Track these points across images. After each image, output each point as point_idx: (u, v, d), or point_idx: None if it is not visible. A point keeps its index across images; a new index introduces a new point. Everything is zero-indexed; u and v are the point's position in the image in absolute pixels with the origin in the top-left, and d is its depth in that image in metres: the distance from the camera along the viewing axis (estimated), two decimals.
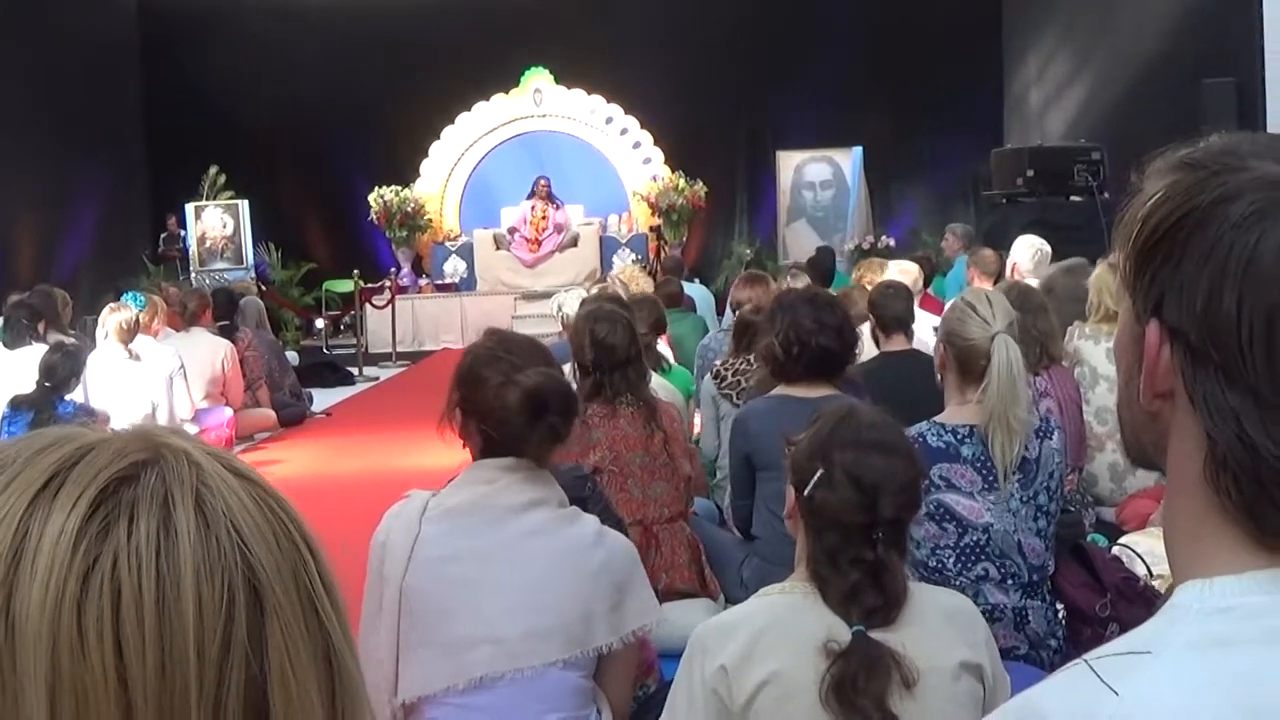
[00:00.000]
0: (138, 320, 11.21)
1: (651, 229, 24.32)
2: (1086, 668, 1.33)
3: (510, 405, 3.77)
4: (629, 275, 11.98)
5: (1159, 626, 1.35)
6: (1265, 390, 1.28)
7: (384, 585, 3.83)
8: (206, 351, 12.56)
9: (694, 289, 14.35)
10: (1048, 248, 10.30)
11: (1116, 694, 1.28)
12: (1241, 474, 1.31)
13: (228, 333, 13.52)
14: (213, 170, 23.25)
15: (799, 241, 23.38)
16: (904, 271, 10.44)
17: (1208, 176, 1.34)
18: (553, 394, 3.81)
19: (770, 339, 5.94)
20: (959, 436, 4.79)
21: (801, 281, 10.11)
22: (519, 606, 3.78)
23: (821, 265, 13.81)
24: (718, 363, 7.55)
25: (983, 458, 4.77)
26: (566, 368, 6.28)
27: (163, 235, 24.19)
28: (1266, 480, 1.29)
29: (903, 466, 3.20)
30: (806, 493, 3.18)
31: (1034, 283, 8.73)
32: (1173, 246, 1.34)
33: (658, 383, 6.97)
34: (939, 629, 3.16)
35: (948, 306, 5.21)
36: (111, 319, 11.00)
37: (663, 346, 8.92)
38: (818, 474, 3.16)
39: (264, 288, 21.79)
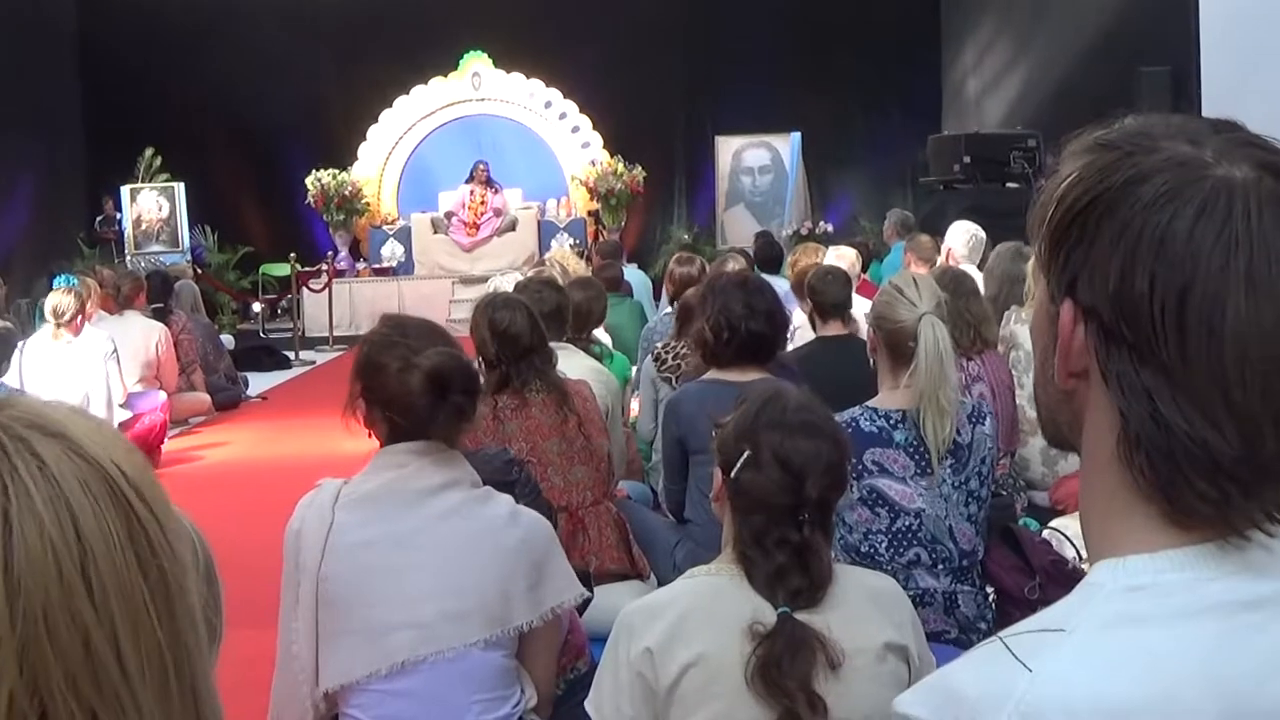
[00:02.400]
0: (83, 305, 11.15)
1: (590, 213, 24.29)
2: (1001, 645, 1.34)
3: (413, 389, 3.76)
4: (562, 257, 11.94)
5: (1073, 604, 1.37)
6: (1177, 368, 1.29)
7: (300, 575, 3.81)
8: (140, 335, 12.49)
9: (631, 273, 14.30)
10: (983, 234, 10.33)
11: (1030, 671, 1.29)
12: (1155, 452, 1.32)
13: (162, 316, 13.45)
14: (149, 152, 23.11)
15: (737, 226, 23.45)
16: (840, 256, 10.44)
17: (1121, 158, 1.35)
18: (454, 373, 3.79)
19: (701, 323, 5.95)
20: (891, 421, 4.80)
21: (737, 265, 10.09)
22: (437, 589, 3.78)
23: (768, 252, 13.79)
24: (659, 345, 7.52)
25: (915, 443, 4.78)
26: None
27: (98, 218, 24.01)
28: (1179, 458, 1.31)
29: (829, 448, 3.20)
30: (733, 474, 3.19)
31: (969, 268, 8.77)
32: (1085, 227, 1.35)
33: (585, 365, 6.93)
34: (864, 610, 3.17)
35: (878, 291, 5.23)
36: (48, 303, 10.95)
37: (600, 331, 8.89)
38: (744, 455, 3.17)
39: (200, 271, 21.68)
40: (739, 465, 3.17)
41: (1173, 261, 1.29)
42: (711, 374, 5.98)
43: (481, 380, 3.97)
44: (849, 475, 3.38)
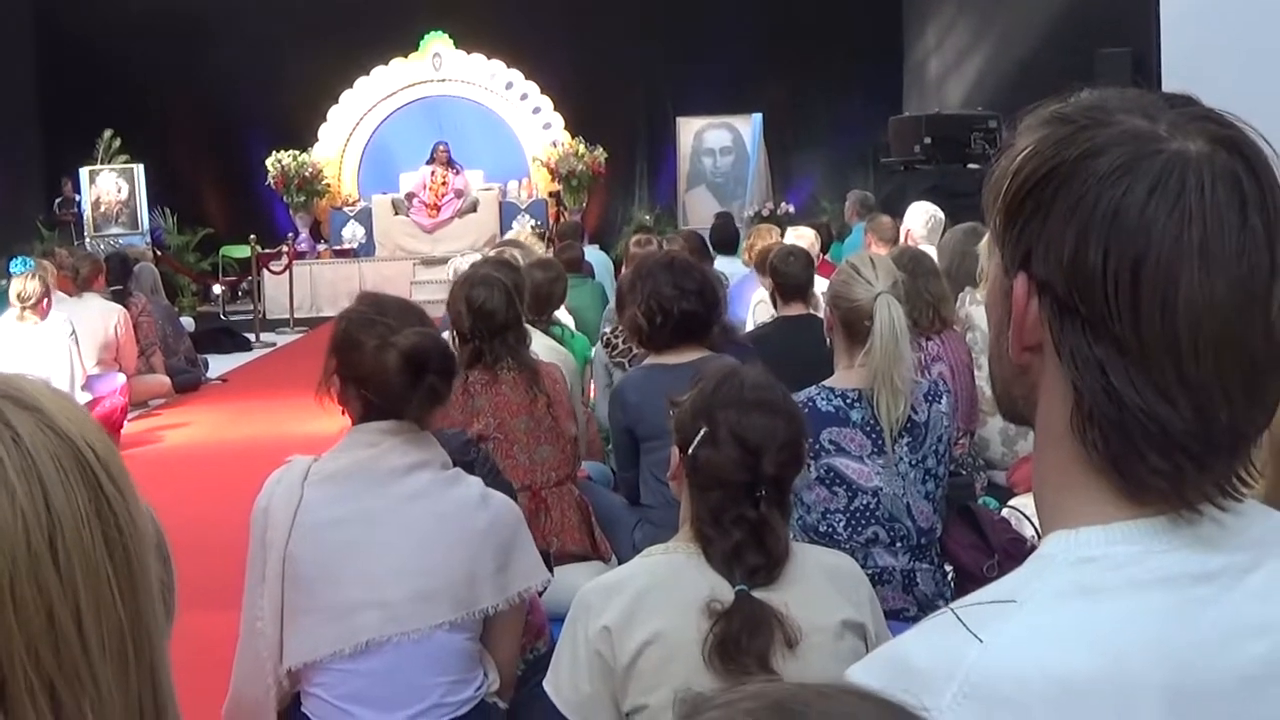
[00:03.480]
0: (49, 289, 11.13)
1: (551, 194, 24.25)
2: (953, 616, 1.34)
3: (389, 367, 3.75)
4: (527, 239, 11.94)
5: (1026, 576, 1.37)
6: (1130, 342, 1.29)
7: (267, 552, 3.79)
8: (99, 317, 12.42)
9: (593, 254, 14.31)
10: (941, 214, 10.37)
11: (981, 641, 1.29)
12: (1107, 426, 1.32)
13: (120, 298, 13.40)
14: (107, 134, 22.92)
15: (698, 208, 23.45)
16: (799, 237, 10.47)
17: (1075, 131, 1.36)
18: (431, 353, 3.80)
19: (633, 310, 5.94)
20: (848, 400, 4.81)
21: (676, 246, 10.12)
22: (404, 569, 3.77)
23: (723, 232, 13.80)
24: (607, 329, 7.52)
25: (871, 421, 4.79)
26: (446, 334, 6.25)
27: (57, 200, 23.81)
28: (1132, 431, 1.31)
29: (784, 425, 3.20)
30: (690, 452, 3.19)
31: (928, 249, 8.78)
32: (1040, 200, 1.35)
33: (544, 345, 6.94)
34: (821, 588, 3.18)
35: (835, 271, 5.24)
36: (13, 289, 10.93)
37: (562, 313, 8.88)
38: (701, 433, 3.17)
39: (160, 253, 21.58)
40: (696, 442, 3.18)
41: (1126, 235, 1.29)
42: (651, 359, 5.98)
43: (457, 362, 3.96)
44: (806, 453, 3.37)
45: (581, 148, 23.98)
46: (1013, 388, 1.48)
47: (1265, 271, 1.31)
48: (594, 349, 8.09)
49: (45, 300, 10.98)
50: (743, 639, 2.97)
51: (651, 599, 3.11)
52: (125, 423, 11.88)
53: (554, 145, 24.38)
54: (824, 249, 12.74)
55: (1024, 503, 5.85)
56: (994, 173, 1.44)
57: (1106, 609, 1.29)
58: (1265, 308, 1.31)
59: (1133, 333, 1.29)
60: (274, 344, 19.23)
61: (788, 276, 7.42)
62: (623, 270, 11.19)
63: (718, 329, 6.18)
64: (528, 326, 6.85)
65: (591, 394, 7.90)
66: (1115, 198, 1.30)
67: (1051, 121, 1.39)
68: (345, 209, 24.48)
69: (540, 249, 11.44)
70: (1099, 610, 1.29)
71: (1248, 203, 1.31)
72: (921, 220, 10.25)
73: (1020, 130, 1.43)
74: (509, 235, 15.14)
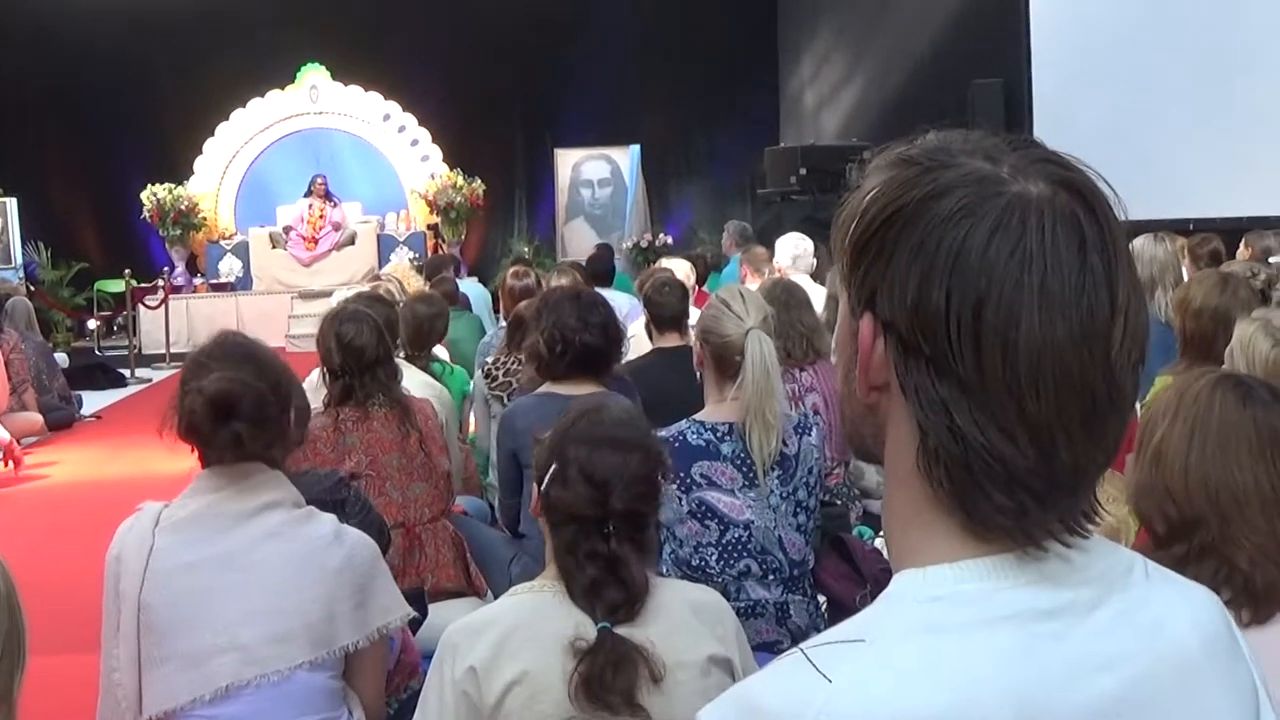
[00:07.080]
0: None
1: (430, 227, 24.15)
2: (802, 656, 1.34)
3: (196, 412, 3.73)
4: (403, 273, 11.89)
5: (875, 615, 1.38)
6: (973, 381, 1.30)
7: (120, 602, 3.76)
8: None
9: (470, 287, 14.26)
10: (809, 244, 10.44)
11: (830, 681, 1.29)
12: (952, 464, 1.33)
13: None
14: None
15: (578, 239, 23.46)
16: (675, 269, 10.48)
17: (920, 173, 1.36)
18: (240, 399, 3.74)
19: (535, 337, 5.95)
20: (719, 434, 4.81)
21: (569, 278, 10.11)
22: (260, 611, 3.72)
23: (601, 264, 13.81)
24: (489, 360, 7.50)
25: (742, 454, 4.80)
26: (316, 373, 6.18)
27: None
28: (976, 470, 1.32)
29: (637, 460, 3.22)
30: (543, 488, 3.22)
31: (800, 278, 8.83)
32: (885, 241, 1.36)
33: (420, 380, 6.92)
34: (686, 623, 3.19)
35: (705, 305, 5.25)
36: None
37: (439, 348, 8.85)
38: (552, 469, 3.20)
39: (33, 288, 21.30)
40: (548, 479, 3.21)
41: (968, 276, 1.30)
42: (546, 387, 5.98)
43: (272, 409, 3.88)
44: (660, 488, 3.37)
45: (460, 180, 23.92)
46: (861, 427, 1.49)
47: (1105, 311, 1.32)
48: (472, 381, 8.07)
49: None
50: (607, 676, 2.97)
51: (517, 638, 3.10)
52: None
53: (432, 177, 24.30)
54: (701, 280, 12.79)
55: None
56: (841, 214, 1.45)
57: (954, 647, 1.30)
58: (1105, 347, 1.32)
59: (975, 372, 1.30)
60: (150, 380, 18.98)
61: (662, 307, 7.43)
62: (500, 303, 11.16)
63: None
64: (403, 362, 6.83)
65: (470, 428, 7.87)
66: (958, 239, 1.31)
67: (897, 163, 1.40)
68: (222, 242, 24.24)
69: (417, 283, 11.39)
70: (947, 648, 1.30)
71: (1087, 244, 1.32)
72: (789, 252, 10.32)
73: (868, 171, 1.44)
74: (387, 269, 15.07)
